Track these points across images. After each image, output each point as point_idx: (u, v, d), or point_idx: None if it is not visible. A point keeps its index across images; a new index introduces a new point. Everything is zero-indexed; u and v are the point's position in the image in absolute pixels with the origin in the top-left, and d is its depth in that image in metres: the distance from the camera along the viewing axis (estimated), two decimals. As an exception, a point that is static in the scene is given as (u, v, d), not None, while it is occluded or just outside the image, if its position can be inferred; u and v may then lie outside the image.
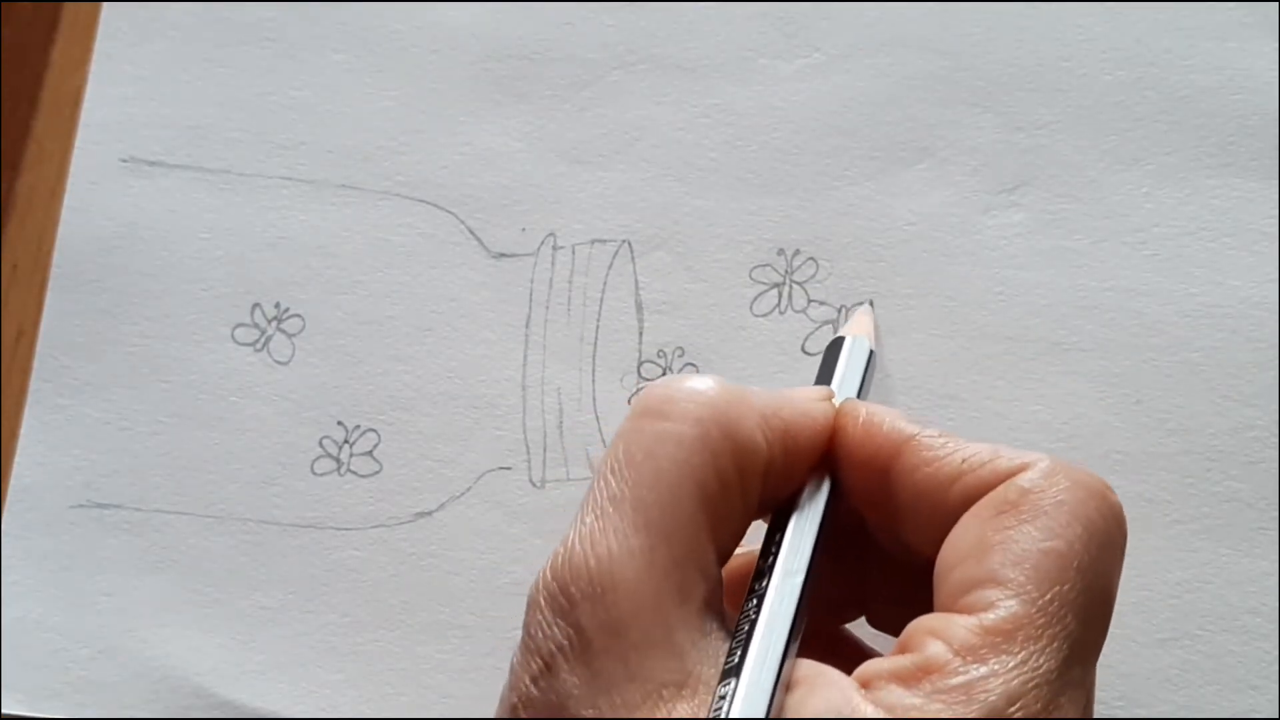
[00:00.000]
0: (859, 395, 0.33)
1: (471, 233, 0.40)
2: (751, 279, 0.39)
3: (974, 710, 0.24)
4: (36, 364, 0.40)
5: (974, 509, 0.27)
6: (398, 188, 0.40)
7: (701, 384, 0.27)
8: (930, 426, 0.28)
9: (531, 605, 0.26)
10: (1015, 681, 0.24)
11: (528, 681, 0.25)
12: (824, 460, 0.29)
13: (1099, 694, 0.35)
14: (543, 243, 0.39)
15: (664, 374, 0.38)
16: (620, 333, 0.39)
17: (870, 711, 0.24)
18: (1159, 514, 0.36)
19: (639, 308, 0.39)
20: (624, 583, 0.25)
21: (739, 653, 0.25)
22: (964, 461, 0.27)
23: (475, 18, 0.41)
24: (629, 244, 0.39)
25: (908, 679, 0.25)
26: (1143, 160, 0.38)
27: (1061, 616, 0.25)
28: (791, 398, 0.29)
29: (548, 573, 0.26)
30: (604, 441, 0.38)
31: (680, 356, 0.38)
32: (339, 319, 0.39)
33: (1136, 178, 0.38)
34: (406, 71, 0.41)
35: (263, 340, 0.39)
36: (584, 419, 0.38)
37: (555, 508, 0.37)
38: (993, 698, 0.24)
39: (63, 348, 0.40)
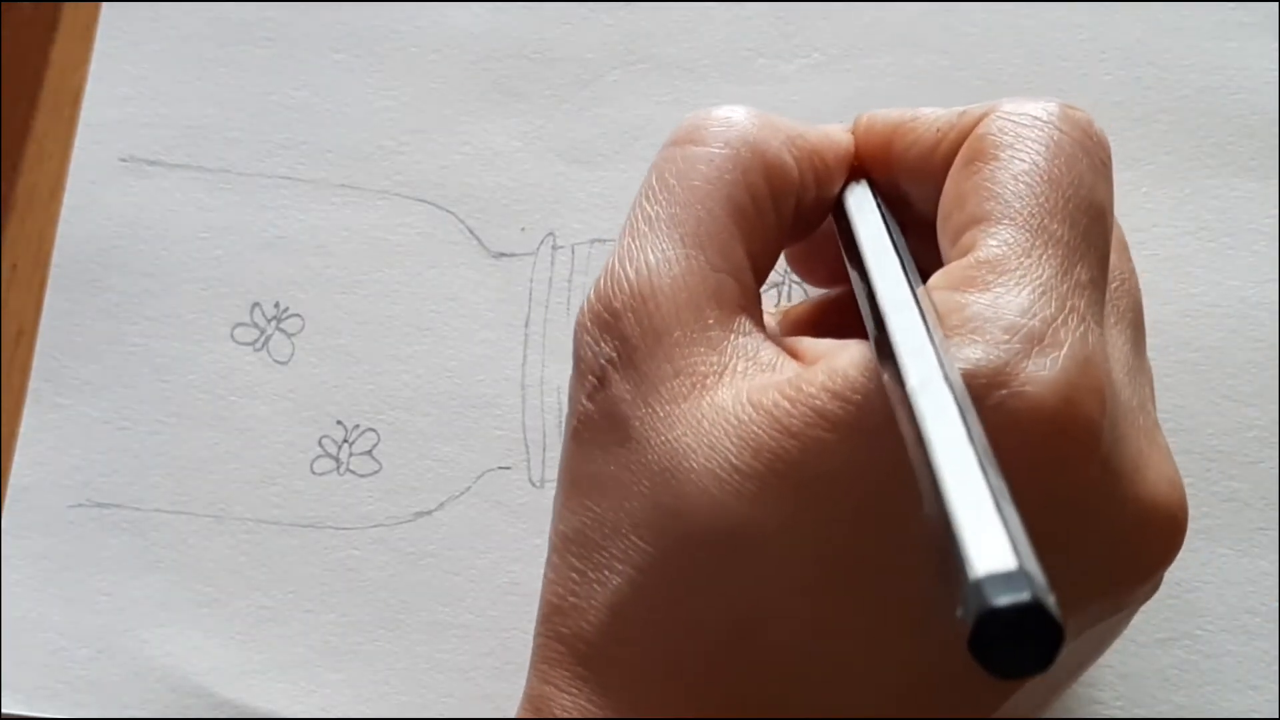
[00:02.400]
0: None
1: (471, 232, 0.40)
2: (751, 279, 0.39)
3: (990, 331, 0.24)
4: (36, 363, 0.40)
5: (950, 170, 0.28)
6: (397, 187, 0.40)
7: (730, 111, 0.29)
8: (917, 111, 0.30)
9: (579, 329, 0.27)
10: (1022, 294, 0.25)
11: (584, 400, 0.27)
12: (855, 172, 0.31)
13: (1098, 694, 0.35)
14: (542, 242, 0.39)
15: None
16: (620, 332, 0.38)
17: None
18: (1159, 514, 0.36)
19: (638, 307, 0.39)
20: (662, 290, 0.26)
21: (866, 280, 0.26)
22: (936, 130, 0.29)
23: (475, 18, 0.41)
24: (628, 244, 0.39)
25: None
26: (1142, 160, 0.38)
27: (1046, 226, 0.26)
28: (814, 126, 0.30)
29: (592, 296, 0.27)
30: (603, 441, 0.38)
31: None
32: (338, 319, 0.39)
33: (1136, 177, 0.38)
34: (406, 71, 0.41)
35: (262, 340, 0.39)
36: (583, 419, 0.38)
37: (555, 507, 0.37)
38: (1005, 315, 0.24)
39: (62, 347, 0.40)
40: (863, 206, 0.29)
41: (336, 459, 0.38)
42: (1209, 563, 0.36)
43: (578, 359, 0.27)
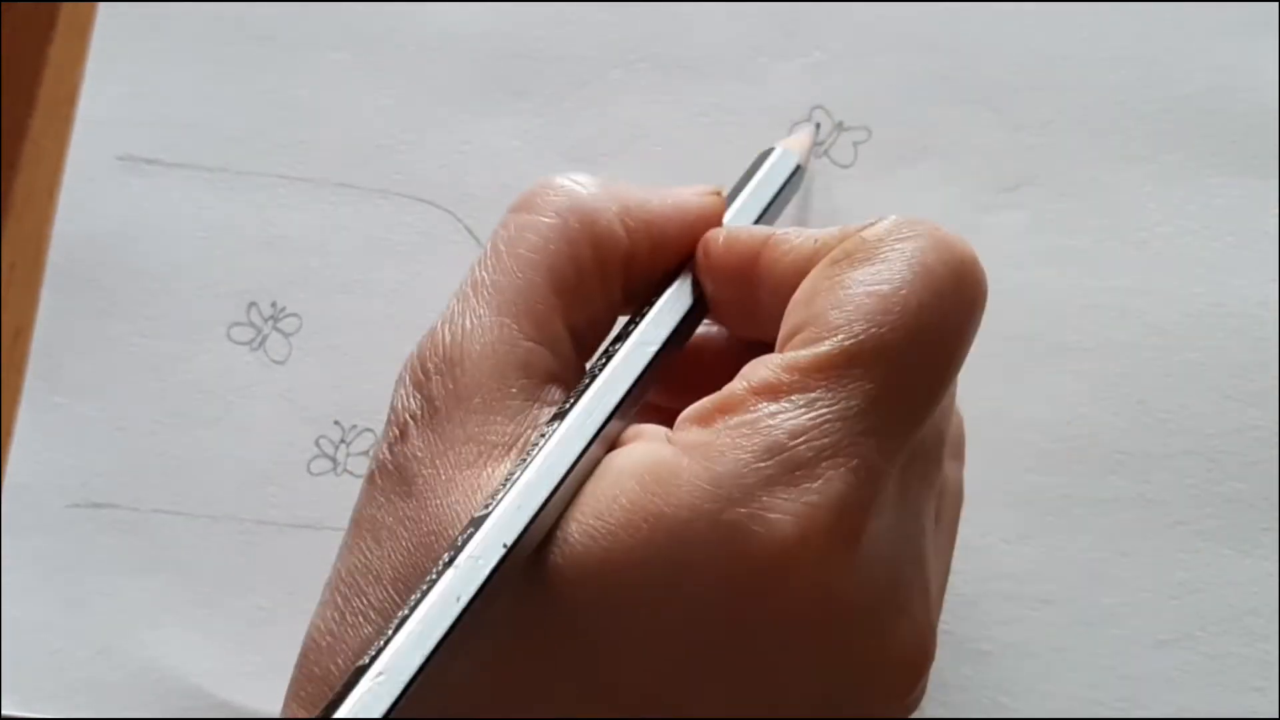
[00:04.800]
0: (772, 205, 0.33)
1: (470, 232, 0.40)
2: (751, 278, 0.39)
3: (755, 444, 0.24)
4: (32, 363, 0.39)
5: (817, 265, 0.27)
6: (396, 186, 0.40)
7: (567, 180, 0.29)
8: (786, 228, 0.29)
9: (397, 381, 0.28)
10: (804, 417, 0.24)
11: (385, 448, 0.27)
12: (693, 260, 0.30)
13: (1099, 695, 0.35)
14: (541, 241, 0.39)
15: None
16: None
17: (665, 453, 0.25)
18: (1160, 515, 0.36)
19: (638, 307, 0.38)
20: (470, 355, 0.27)
21: (572, 402, 0.26)
22: (817, 241, 0.28)
23: (474, 16, 0.41)
24: (628, 243, 0.39)
25: (705, 418, 0.25)
26: (1144, 159, 0.38)
27: (873, 359, 0.25)
28: (666, 192, 0.30)
29: (414, 351, 0.28)
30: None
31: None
32: (336, 318, 0.39)
33: (1138, 177, 0.38)
34: (404, 70, 0.41)
35: (259, 339, 0.39)
36: (582, 419, 0.38)
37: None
38: (776, 433, 0.24)
39: (59, 346, 0.39)
40: (667, 308, 0.29)
41: (334, 459, 0.38)
42: (1211, 564, 0.35)
43: (391, 408, 0.27)
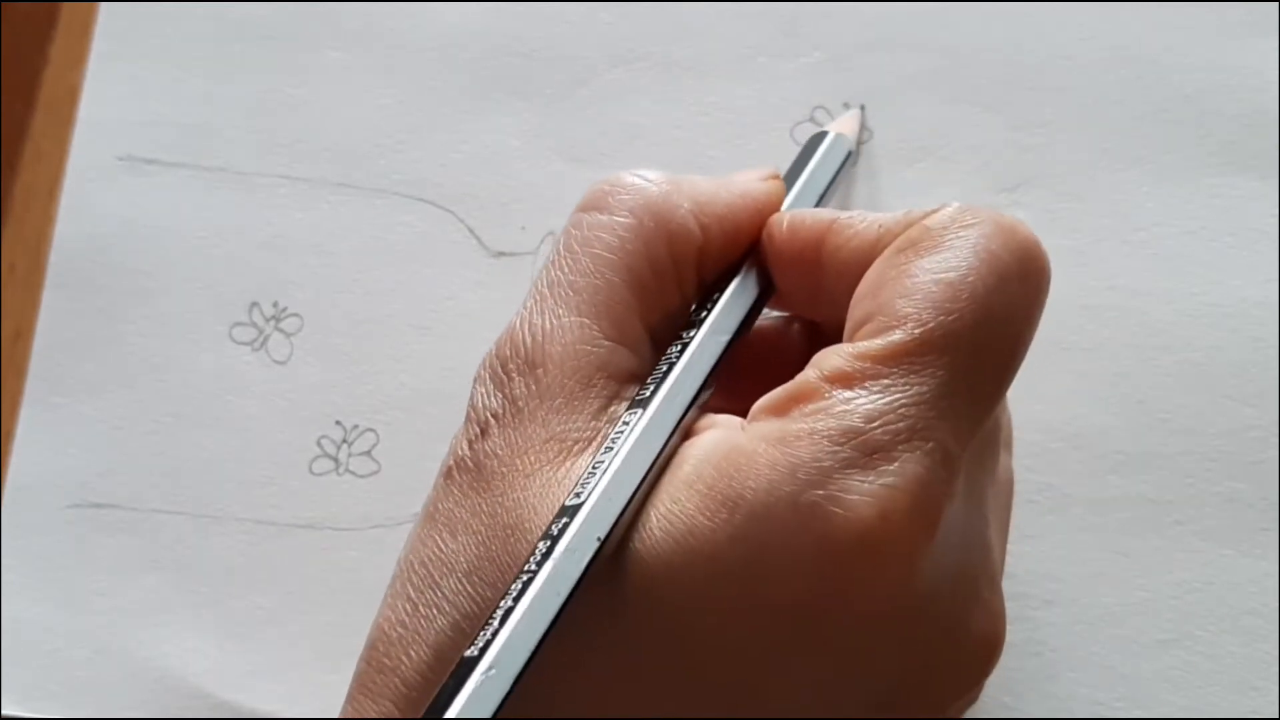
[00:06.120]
0: (828, 190, 0.34)
1: (470, 231, 0.40)
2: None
3: (830, 428, 0.24)
4: (33, 363, 0.39)
5: (883, 254, 0.27)
6: (396, 186, 0.40)
7: (637, 178, 0.29)
8: (850, 211, 0.29)
9: (476, 380, 0.28)
10: (879, 402, 0.24)
11: (465, 445, 0.27)
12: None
13: (1099, 694, 0.35)
14: (542, 241, 0.39)
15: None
16: (620, 332, 0.38)
17: (741, 440, 0.25)
18: (1160, 515, 0.36)
19: (638, 307, 0.38)
20: (551, 356, 0.27)
21: (651, 392, 0.26)
22: (880, 227, 0.28)
23: (474, 16, 0.41)
24: (628, 243, 0.39)
25: (779, 408, 0.25)
26: (1143, 159, 0.38)
27: (944, 346, 0.25)
28: (730, 181, 0.30)
29: (492, 350, 0.28)
30: (603, 441, 0.38)
31: (680, 356, 0.38)
32: (337, 318, 0.39)
33: (1137, 177, 0.38)
34: (404, 69, 0.41)
35: (260, 339, 0.39)
36: (583, 419, 0.38)
37: (554, 508, 0.37)
38: (851, 418, 0.24)
39: (59, 347, 0.39)
40: (739, 296, 0.29)
41: (335, 459, 0.38)
42: (1210, 564, 0.35)
43: (470, 405, 0.28)
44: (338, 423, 0.38)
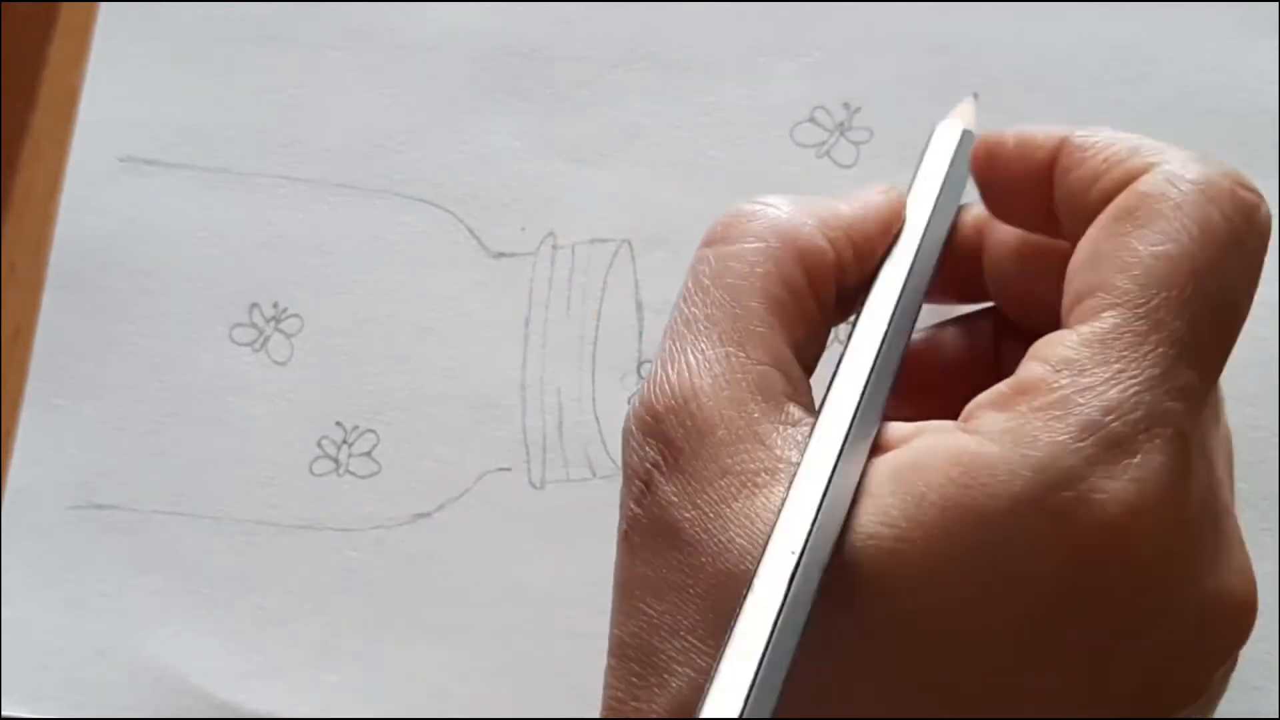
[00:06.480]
0: (949, 177, 0.32)
1: (471, 232, 0.40)
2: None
3: (1069, 424, 0.24)
4: (33, 364, 0.39)
5: (1098, 219, 0.26)
6: (396, 186, 0.40)
7: (758, 204, 0.28)
8: (1088, 130, 0.28)
9: (625, 435, 0.27)
10: (1112, 391, 0.24)
11: (632, 506, 0.26)
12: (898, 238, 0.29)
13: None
14: (542, 242, 0.39)
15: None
16: (620, 332, 0.38)
17: (968, 444, 0.24)
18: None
19: (639, 307, 0.39)
20: (703, 389, 0.26)
21: (834, 409, 0.25)
22: (1104, 160, 0.27)
23: (474, 16, 0.41)
24: (629, 243, 0.39)
25: (1004, 403, 0.25)
26: (1144, 160, 0.38)
27: (1168, 322, 0.24)
28: (849, 196, 0.29)
29: (636, 401, 0.27)
30: (604, 442, 0.38)
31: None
32: (337, 319, 0.39)
33: (1137, 177, 0.38)
34: (405, 70, 0.41)
35: (261, 340, 0.39)
36: (584, 419, 0.38)
37: (555, 509, 0.37)
38: (1088, 410, 0.24)
39: (59, 347, 0.39)
40: (877, 306, 0.28)
41: (335, 460, 0.38)
42: (1211, 563, 0.35)
43: (624, 464, 0.27)
44: (338, 423, 0.38)
